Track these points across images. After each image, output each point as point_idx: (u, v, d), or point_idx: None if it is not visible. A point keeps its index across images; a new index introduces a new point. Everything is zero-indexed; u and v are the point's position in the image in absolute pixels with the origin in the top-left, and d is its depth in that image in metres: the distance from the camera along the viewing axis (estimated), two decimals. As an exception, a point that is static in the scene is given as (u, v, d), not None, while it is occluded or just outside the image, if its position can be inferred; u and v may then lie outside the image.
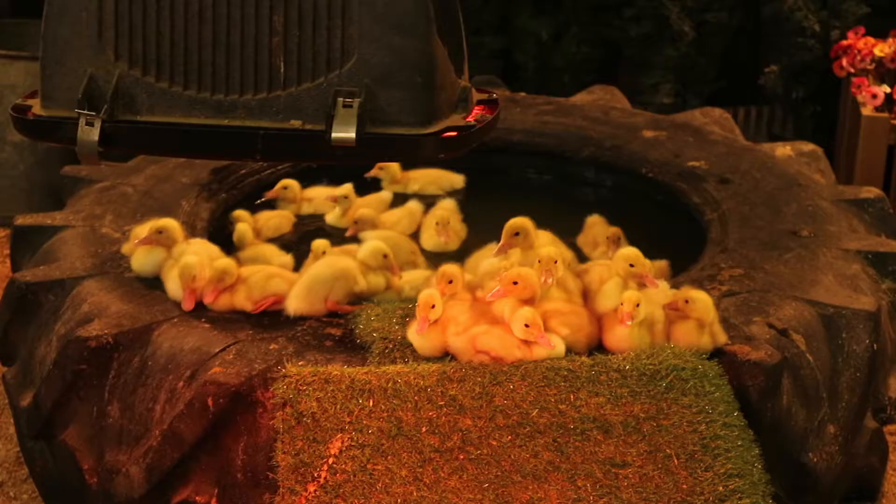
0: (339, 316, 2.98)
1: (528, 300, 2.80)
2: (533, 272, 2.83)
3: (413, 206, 3.82)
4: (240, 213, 3.67)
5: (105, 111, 2.60)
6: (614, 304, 2.83)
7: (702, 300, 2.81)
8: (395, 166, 4.04)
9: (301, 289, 3.00)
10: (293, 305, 2.99)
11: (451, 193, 4.00)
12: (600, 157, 4.10)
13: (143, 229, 3.17)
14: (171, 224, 3.17)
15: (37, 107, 2.71)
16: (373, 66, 2.57)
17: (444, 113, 2.64)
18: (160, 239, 3.13)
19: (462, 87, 2.71)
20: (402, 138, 2.59)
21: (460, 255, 3.38)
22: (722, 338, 2.82)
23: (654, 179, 3.92)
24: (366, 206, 3.76)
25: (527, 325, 2.73)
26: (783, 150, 4.08)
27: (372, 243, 3.13)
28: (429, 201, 3.90)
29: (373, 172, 4.04)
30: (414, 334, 2.80)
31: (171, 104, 2.63)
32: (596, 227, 3.63)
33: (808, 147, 4.13)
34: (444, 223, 3.63)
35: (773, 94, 5.94)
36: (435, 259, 3.37)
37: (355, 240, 3.50)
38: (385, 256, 3.10)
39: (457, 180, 4.09)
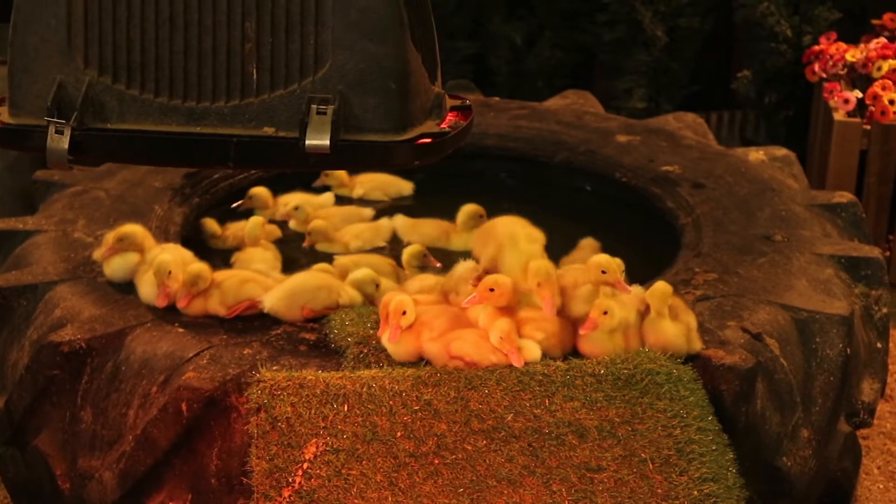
0: (314, 320, 2.97)
1: (503, 307, 2.80)
2: (509, 279, 2.83)
3: (383, 222, 3.78)
4: (208, 220, 3.66)
5: (75, 119, 2.57)
6: (588, 309, 2.83)
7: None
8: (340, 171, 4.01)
9: (283, 291, 2.99)
10: (270, 303, 2.98)
11: (398, 200, 3.97)
12: (574, 161, 4.10)
13: (111, 236, 3.15)
14: (132, 230, 3.15)
15: (4, 114, 2.67)
16: (346, 73, 2.55)
17: (418, 119, 2.63)
18: (123, 246, 3.12)
19: (436, 94, 2.70)
20: (377, 145, 2.58)
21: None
22: (697, 344, 2.83)
23: (627, 184, 3.92)
24: (327, 217, 3.74)
25: (502, 338, 2.73)
26: (756, 154, 4.08)
27: (365, 271, 3.12)
28: (374, 206, 3.89)
29: (319, 181, 4.01)
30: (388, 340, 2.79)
31: (142, 111, 2.60)
32: (586, 250, 3.49)
33: (781, 152, 4.13)
34: (484, 214, 3.58)
35: (746, 98, 5.96)
36: (466, 258, 3.28)
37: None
38: (377, 286, 3.10)
39: (405, 187, 4.04)
